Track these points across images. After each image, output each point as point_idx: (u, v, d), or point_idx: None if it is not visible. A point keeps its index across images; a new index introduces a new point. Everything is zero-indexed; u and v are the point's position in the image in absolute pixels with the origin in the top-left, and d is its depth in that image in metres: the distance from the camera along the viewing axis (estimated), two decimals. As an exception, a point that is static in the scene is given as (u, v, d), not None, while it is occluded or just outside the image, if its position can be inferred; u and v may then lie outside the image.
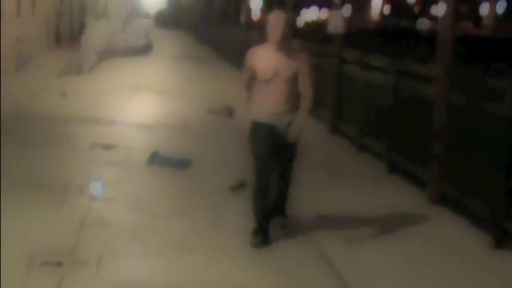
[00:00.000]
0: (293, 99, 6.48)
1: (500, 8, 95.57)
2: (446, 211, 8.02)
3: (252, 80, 6.54)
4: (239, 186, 8.44)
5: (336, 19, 12.55)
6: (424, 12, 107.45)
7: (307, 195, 8.21)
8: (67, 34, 30.96)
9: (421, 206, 8.27)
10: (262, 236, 6.54)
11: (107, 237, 6.54)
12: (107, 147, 10.42)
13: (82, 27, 28.74)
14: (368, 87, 11.26)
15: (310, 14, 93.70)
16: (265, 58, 6.41)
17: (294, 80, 6.42)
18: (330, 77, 13.01)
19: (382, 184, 9.36)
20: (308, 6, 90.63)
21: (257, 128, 6.48)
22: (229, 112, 14.30)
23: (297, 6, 61.44)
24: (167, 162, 9.50)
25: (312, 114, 8.92)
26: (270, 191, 6.65)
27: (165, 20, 70.58)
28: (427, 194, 8.45)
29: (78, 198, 7.68)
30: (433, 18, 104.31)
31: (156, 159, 9.59)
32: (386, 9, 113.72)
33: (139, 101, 15.83)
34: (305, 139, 6.87)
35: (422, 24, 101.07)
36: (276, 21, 6.37)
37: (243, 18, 28.65)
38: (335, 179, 9.48)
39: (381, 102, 10.56)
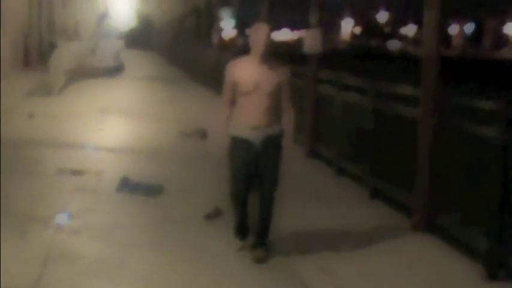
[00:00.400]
0: (273, 113, 6.36)
1: (469, 29, 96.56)
2: (433, 238, 7.60)
3: (234, 96, 6.42)
4: (214, 214, 7.99)
5: (312, 38, 12.15)
6: (394, 33, 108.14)
7: (285, 221, 7.76)
8: (36, 54, 30.34)
9: (406, 233, 7.85)
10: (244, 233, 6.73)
11: (73, 273, 6.04)
12: (76, 172, 9.91)
13: (52, 47, 28.16)
14: (346, 109, 10.88)
15: (281, 36, 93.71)
16: (246, 71, 6.31)
17: (275, 94, 6.32)
18: (306, 97, 12.61)
19: (364, 210, 8.94)
20: (279, 29, 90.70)
21: (236, 143, 6.36)
22: (202, 135, 13.86)
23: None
24: (138, 189, 9.02)
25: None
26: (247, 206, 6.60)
27: (137, 40, 70.12)
28: (412, 221, 8.04)
29: (42, 229, 7.17)
30: (403, 39, 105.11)
31: (126, 185, 9.11)
32: (357, 30, 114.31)
33: (110, 124, 15.34)
34: (282, 163, 6.58)
35: (393, 44, 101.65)
36: (259, 33, 6.30)
37: (215, 39, 28.23)
38: (314, 204, 9.04)
39: (360, 124, 10.19)
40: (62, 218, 7.46)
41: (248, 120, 6.33)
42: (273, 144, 6.41)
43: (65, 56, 24.71)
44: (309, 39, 12.28)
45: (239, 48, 22.49)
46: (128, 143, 13.02)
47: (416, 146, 8.07)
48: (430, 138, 7.84)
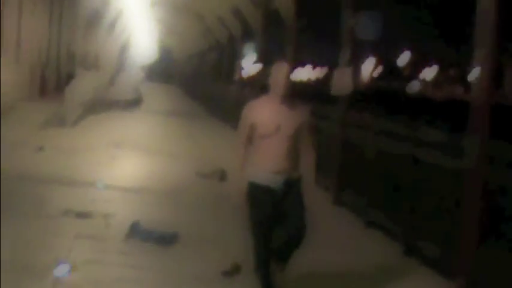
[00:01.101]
0: (294, 157, 6.06)
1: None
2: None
3: (250, 138, 6.09)
4: (233, 270, 7.11)
5: (342, 78, 11.33)
6: (415, 75, 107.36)
7: (306, 278, 6.89)
8: (53, 84, 29.71)
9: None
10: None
11: None
12: (82, 215, 9.06)
13: (70, 77, 27.51)
14: (379, 155, 10.02)
15: (304, 73, 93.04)
16: (266, 112, 6.02)
17: (296, 136, 6.03)
18: (333, 141, 11.79)
19: (397, 269, 8.04)
20: (303, 65, 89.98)
21: (255, 190, 6.03)
22: (221, 176, 13.00)
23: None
24: (149, 237, 8.15)
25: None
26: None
27: (157, 74, 69.78)
28: (458, 284, 7.14)
29: (39, 284, 6.31)
30: (423, 82, 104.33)
31: (136, 232, 8.24)
32: (377, 71, 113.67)
33: (123, 160, 14.49)
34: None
35: (413, 86, 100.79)
36: (280, 72, 6.05)
37: (237, 75, 27.57)
38: (339, 257, 8.20)
39: (395, 173, 9.33)
40: (61, 270, 6.59)
41: (268, 164, 5.99)
42: (294, 190, 6.07)
43: (81, 87, 24.02)
44: (339, 79, 11.46)
45: (262, 86, 21.75)
46: (141, 182, 12.17)
47: (462, 200, 7.21)
48: (478, 193, 6.96)
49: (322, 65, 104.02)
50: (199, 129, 24.03)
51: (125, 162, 14.25)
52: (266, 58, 22.66)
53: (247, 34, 26.64)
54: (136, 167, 13.99)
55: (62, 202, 9.71)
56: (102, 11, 29.70)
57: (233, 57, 33.03)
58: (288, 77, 6.06)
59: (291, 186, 6.04)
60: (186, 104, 39.51)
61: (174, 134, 21.50)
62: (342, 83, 11.34)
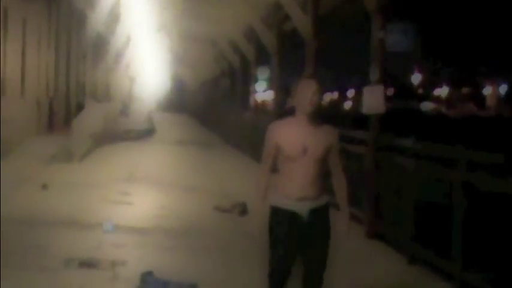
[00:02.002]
0: (321, 182, 5.55)
1: (503, 89, 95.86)
2: None
3: (274, 162, 5.59)
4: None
5: (373, 96, 10.21)
6: (428, 94, 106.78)
7: None
8: (62, 117, 28.68)
9: None
10: None
11: None
12: (86, 264, 7.92)
13: (80, 109, 26.53)
14: (423, 181, 8.86)
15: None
16: (291, 133, 5.52)
17: (324, 159, 5.54)
18: (364, 166, 10.65)
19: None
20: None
21: (278, 215, 5.49)
22: (242, 210, 11.86)
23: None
24: (164, 289, 7.01)
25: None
26: None
27: (169, 103, 68.92)
28: None
29: None
30: (436, 100, 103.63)
31: (149, 284, 7.09)
32: (390, 91, 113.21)
33: (134, 197, 13.32)
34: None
35: (426, 106, 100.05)
36: (306, 90, 5.50)
37: (251, 101, 26.53)
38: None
39: (443, 201, 8.17)
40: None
41: (293, 190, 5.46)
42: (321, 218, 5.51)
43: (90, 118, 22.99)
44: (369, 97, 10.33)
45: (278, 112, 20.75)
46: (154, 220, 11.00)
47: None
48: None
49: (331, 90, 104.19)
50: (215, 158, 22.86)
51: (136, 199, 13.08)
52: (281, 82, 21.68)
53: (261, 58, 25.62)
54: (148, 203, 12.82)
55: (64, 249, 8.59)
56: (109, 38, 28.65)
57: (247, 82, 32.08)
58: (315, 95, 5.49)
59: (318, 213, 5.50)
60: (199, 133, 38.44)
61: (188, 164, 20.32)
62: (373, 101, 10.21)
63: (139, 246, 9.12)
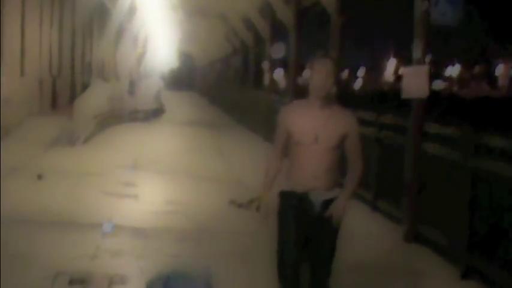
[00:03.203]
0: (335, 171, 5.21)
1: None
2: None
3: (286, 147, 5.27)
4: None
5: (417, 78, 8.78)
6: (438, 73, 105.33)
7: None
8: (66, 97, 27.27)
9: None
10: None
11: None
12: (79, 281, 6.56)
13: (85, 89, 25.15)
14: (482, 180, 7.46)
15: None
16: (303, 118, 5.17)
17: (338, 148, 5.17)
18: (406, 158, 9.26)
19: None
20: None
21: (289, 200, 5.17)
22: (259, 205, 10.45)
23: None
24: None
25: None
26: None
27: (178, 81, 67.47)
28: None
29: None
30: (447, 79, 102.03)
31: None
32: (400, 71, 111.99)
33: (139, 188, 11.94)
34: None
35: (437, 85, 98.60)
36: (321, 71, 5.11)
37: (267, 79, 25.07)
38: None
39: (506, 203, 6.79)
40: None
41: (304, 179, 5.15)
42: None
43: (95, 98, 21.61)
44: (411, 79, 8.90)
45: (293, 92, 19.36)
46: (161, 219, 9.59)
47: None
48: None
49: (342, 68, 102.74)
50: (228, 141, 21.39)
51: (141, 191, 11.68)
52: (298, 61, 20.23)
53: (276, 34, 24.11)
54: (154, 197, 11.39)
55: (54, 258, 7.23)
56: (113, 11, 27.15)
57: (260, 61, 30.68)
58: (330, 76, 5.10)
59: (328, 207, 5.15)
60: (210, 112, 37.00)
61: (199, 148, 18.85)
62: (416, 84, 8.78)
63: (142, 254, 7.69)
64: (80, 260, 7.22)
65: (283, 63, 44.88)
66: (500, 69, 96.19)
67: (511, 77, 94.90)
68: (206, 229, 9.11)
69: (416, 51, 8.89)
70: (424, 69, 8.76)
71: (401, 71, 10.62)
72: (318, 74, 5.09)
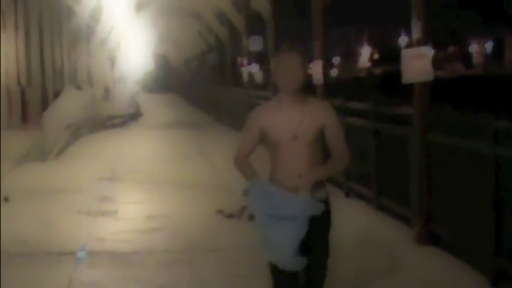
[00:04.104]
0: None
1: (488, 47, 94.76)
2: None
3: (251, 152, 4.96)
4: None
5: (418, 61, 7.80)
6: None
7: None
8: (38, 108, 26.06)
9: None
10: None
11: None
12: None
13: (57, 97, 24.04)
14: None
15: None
16: (278, 115, 4.80)
17: (318, 142, 4.79)
18: (412, 152, 8.30)
19: None
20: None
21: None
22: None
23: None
24: None
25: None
26: None
27: (154, 83, 66.32)
28: None
29: None
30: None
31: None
32: (375, 57, 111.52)
33: (117, 203, 10.89)
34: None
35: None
36: (288, 65, 4.74)
37: (245, 75, 24.07)
38: None
39: None
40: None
41: (288, 180, 4.72)
42: (320, 215, 4.67)
43: (67, 107, 20.53)
44: (411, 62, 7.93)
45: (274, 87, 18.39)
46: (143, 239, 8.52)
47: None
48: None
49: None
50: (209, 142, 20.35)
51: (119, 207, 10.64)
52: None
53: (253, 28, 23.09)
54: (134, 212, 10.33)
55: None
56: (91, 23, 26.05)
57: (237, 56, 29.73)
58: (298, 68, 4.75)
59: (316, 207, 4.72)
60: (189, 113, 35.90)
61: (181, 153, 17.76)
62: (417, 67, 7.80)
63: (123, 286, 6.66)
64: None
65: (260, 58, 44.01)
66: (474, 48, 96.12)
67: (485, 54, 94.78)
68: (197, 248, 8.05)
69: (415, 31, 7.89)
70: (426, 51, 7.77)
71: (402, 53, 9.58)
72: (284, 69, 4.76)
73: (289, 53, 4.80)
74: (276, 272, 4.82)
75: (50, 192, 11.68)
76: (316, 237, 4.77)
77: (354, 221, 9.29)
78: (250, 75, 24.57)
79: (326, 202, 4.82)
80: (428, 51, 7.79)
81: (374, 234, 8.63)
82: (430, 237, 7.91)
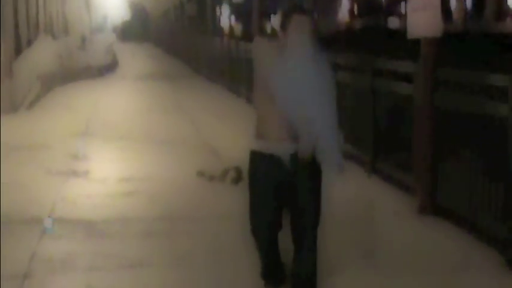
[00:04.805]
0: None
1: (468, 3, 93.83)
2: None
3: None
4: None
5: (427, 13, 7.02)
6: (392, 10, 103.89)
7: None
8: (9, 58, 25.00)
9: None
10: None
11: None
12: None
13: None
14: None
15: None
16: (270, 60, 4.56)
17: None
18: (415, 113, 7.56)
19: None
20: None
21: (257, 160, 4.65)
22: (236, 177, 8.70)
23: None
24: None
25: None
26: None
27: (131, 33, 64.91)
28: None
29: None
30: (403, 17, 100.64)
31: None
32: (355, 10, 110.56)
33: (90, 162, 10.11)
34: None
35: (393, 22, 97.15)
36: (300, 29, 4.53)
37: (225, 26, 23.19)
38: None
39: None
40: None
41: (272, 129, 4.54)
42: (306, 168, 4.54)
43: (40, 56, 19.56)
44: (420, 15, 7.14)
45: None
46: (116, 204, 7.73)
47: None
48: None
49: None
50: (189, 95, 19.48)
51: (93, 165, 9.85)
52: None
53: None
54: (108, 172, 9.51)
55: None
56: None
57: (215, 5, 28.77)
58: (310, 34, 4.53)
59: (301, 162, 4.51)
60: (167, 64, 34.88)
61: (158, 107, 16.90)
62: (426, 20, 7.02)
63: (93, 263, 5.87)
64: (9, 280, 5.39)
65: (238, 9, 42.99)
66: (453, 2, 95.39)
67: (465, 10, 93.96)
68: (176, 217, 7.26)
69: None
70: (435, 2, 6.97)
71: (407, 6, 8.81)
72: (296, 32, 4.53)
73: (303, 16, 4.58)
74: (258, 237, 4.72)
75: (17, 149, 10.86)
76: (305, 196, 4.59)
77: (347, 186, 8.56)
78: (231, 27, 23.71)
79: (314, 159, 4.58)
80: (436, 3, 6.98)
81: (370, 202, 7.91)
82: (434, 208, 7.21)
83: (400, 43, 11.57)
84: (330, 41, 14.82)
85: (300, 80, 4.47)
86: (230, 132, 11.69)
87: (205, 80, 24.26)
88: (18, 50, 25.45)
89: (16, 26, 26.32)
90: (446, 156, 7.07)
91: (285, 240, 4.82)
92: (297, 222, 4.67)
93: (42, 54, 19.97)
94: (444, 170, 7.11)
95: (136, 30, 66.47)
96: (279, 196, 4.67)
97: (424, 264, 5.82)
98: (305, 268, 4.70)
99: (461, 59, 7.42)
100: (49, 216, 6.96)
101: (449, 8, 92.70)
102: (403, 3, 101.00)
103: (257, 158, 4.69)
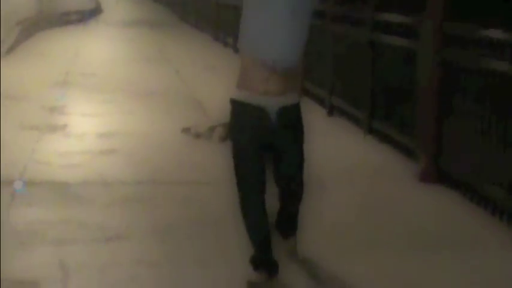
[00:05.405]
0: (293, 75, 4.37)
1: None
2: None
3: None
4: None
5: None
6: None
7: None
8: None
9: None
10: (267, 269, 4.44)
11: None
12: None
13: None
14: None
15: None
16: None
17: None
18: (419, 71, 6.98)
19: None
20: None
21: (241, 112, 4.29)
22: (224, 135, 8.12)
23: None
24: None
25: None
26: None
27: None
28: None
29: None
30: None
31: None
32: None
33: (68, 115, 9.51)
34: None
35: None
36: None
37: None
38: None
39: None
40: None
41: (257, 83, 4.20)
42: (291, 118, 4.34)
43: (19, 1, 18.75)
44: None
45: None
46: (96, 164, 7.16)
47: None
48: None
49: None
50: (175, 44, 18.81)
51: (71, 119, 9.26)
52: None
53: None
54: (87, 127, 8.93)
55: None
56: None
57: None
58: None
59: (287, 113, 4.28)
60: (151, 10, 34.06)
61: (142, 56, 16.25)
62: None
63: (65, 235, 5.30)
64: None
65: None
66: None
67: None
68: (159, 181, 6.68)
69: None
70: None
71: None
72: None
73: None
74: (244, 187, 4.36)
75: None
76: (288, 144, 4.37)
77: (340, 145, 8.04)
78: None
79: (297, 106, 4.38)
80: None
81: (366, 164, 7.36)
82: (438, 174, 6.67)
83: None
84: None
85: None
86: (217, 85, 11.08)
87: (190, 28, 23.55)
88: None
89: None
90: (453, 117, 6.51)
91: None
92: (285, 173, 4.44)
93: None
94: (449, 132, 6.57)
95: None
96: (264, 148, 4.36)
97: (426, 241, 5.29)
98: (293, 210, 4.63)
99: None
100: (20, 179, 6.36)
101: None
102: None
103: (241, 111, 4.32)
